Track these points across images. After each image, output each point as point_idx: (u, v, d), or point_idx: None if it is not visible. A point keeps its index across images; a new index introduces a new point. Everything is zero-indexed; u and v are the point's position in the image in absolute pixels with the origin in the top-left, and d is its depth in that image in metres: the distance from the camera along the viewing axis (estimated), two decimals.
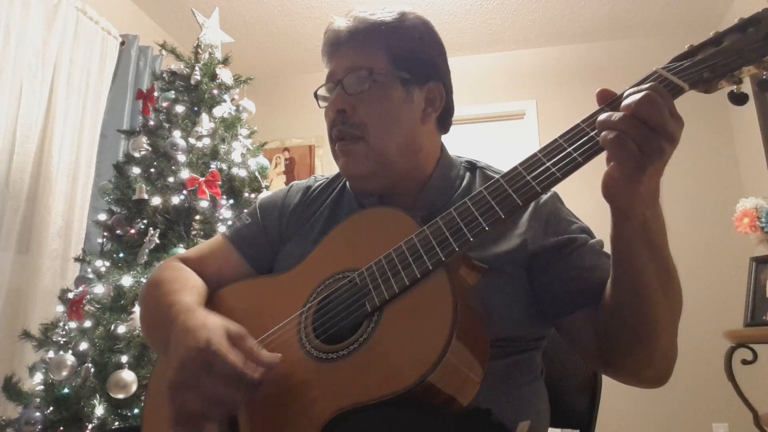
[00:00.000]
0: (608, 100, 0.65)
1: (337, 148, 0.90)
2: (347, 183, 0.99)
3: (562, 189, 0.79)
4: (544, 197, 0.86)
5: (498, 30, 3.60)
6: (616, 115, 0.59)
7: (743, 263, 2.49)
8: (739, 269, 2.65)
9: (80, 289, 1.91)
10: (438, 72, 0.91)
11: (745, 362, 2.09)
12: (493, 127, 3.75)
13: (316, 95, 0.95)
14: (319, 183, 1.03)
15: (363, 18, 0.89)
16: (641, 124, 0.58)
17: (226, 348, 0.64)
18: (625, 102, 0.59)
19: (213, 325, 0.68)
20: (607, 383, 1.00)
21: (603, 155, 0.63)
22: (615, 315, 0.71)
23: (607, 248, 0.82)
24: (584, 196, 2.03)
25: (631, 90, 0.61)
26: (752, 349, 2.12)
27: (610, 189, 0.62)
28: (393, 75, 0.87)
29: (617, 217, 0.65)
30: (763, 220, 2.25)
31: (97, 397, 1.70)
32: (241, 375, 0.63)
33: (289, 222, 0.98)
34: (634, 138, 0.58)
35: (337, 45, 0.90)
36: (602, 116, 0.61)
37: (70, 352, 1.78)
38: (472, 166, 0.95)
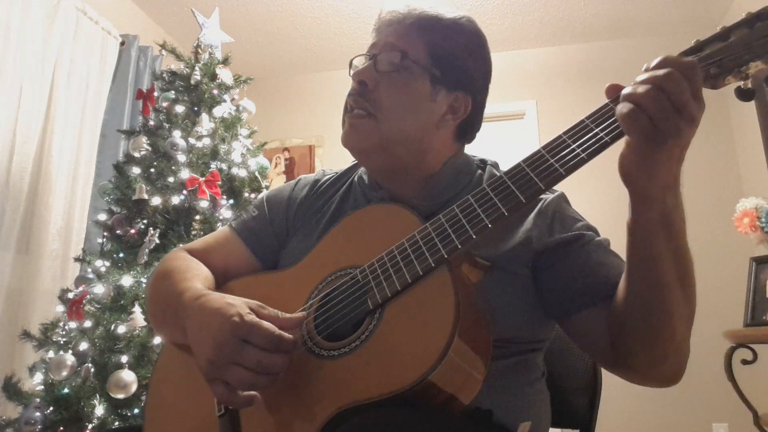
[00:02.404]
0: (617, 94, 0.64)
1: (346, 117, 0.89)
2: (355, 178, 0.98)
3: (566, 188, 0.79)
4: (550, 197, 0.85)
5: (498, 30, 3.60)
6: (641, 87, 0.58)
7: (743, 263, 2.49)
8: (739, 269, 2.65)
9: (80, 289, 1.91)
10: (472, 85, 0.89)
11: (745, 362, 2.09)
12: (493, 127, 3.73)
13: (351, 63, 0.93)
14: (327, 177, 1.02)
15: (421, 8, 0.89)
16: (662, 97, 0.57)
17: (257, 318, 0.67)
18: (647, 75, 0.59)
19: (236, 302, 0.70)
20: (607, 383, 1.00)
21: (610, 149, 0.62)
22: (631, 309, 0.70)
23: (615, 244, 0.81)
24: (591, 195, 2.03)
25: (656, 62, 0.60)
26: (752, 349, 2.12)
27: (624, 168, 0.62)
28: (425, 67, 0.85)
29: (635, 201, 0.64)
30: (763, 220, 2.24)
31: (97, 397, 1.70)
32: (278, 339, 0.66)
33: (296, 216, 0.97)
34: (651, 111, 0.57)
35: (388, 23, 0.89)
36: (627, 89, 0.60)
37: (70, 352, 1.77)
38: (483, 164, 0.95)
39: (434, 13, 0.88)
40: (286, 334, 0.67)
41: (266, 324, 0.67)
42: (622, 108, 0.59)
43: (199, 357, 0.69)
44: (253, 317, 0.67)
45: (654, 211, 0.63)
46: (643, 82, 0.59)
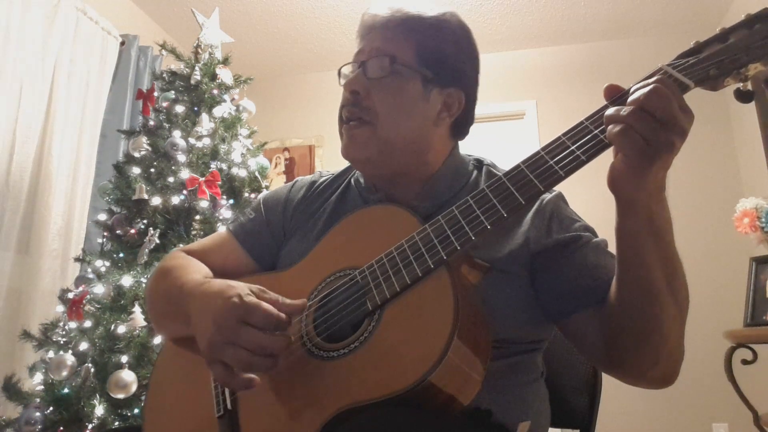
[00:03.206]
0: (616, 95, 0.64)
1: (343, 129, 0.89)
2: (352, 180, 0.98)
3: (565, 187, 0.79)
4: (548, 196, 0.85)
5: (498, 30, 3.60)
6: (625, 110, 0.59)
7: (743, 263, 2.49)
8: (739, 269, 2.65)
9: (80, 289, 1.91)
10: (463, 80, 0.90)
11: (745, 362, 2.09)
12: (493, 127, 3.75)
13: (339, 72, 0.93)
14: (324, 179, 1.02)
15: (403, 8, 0.88)
16: (649, 118, 0.58)
17: (257, 300, 0.68)
18: (632, 96, 0.59)
19: (237, 284, 0.71)
20: (607, 383, 1.00)
21: (609, 150, 0.62)
22: (621, 312, 0.70)
23: (612, 244, 0.81)
24: (588, 195, 2.03)
25: (639, 85, 0.61)
26: (752, 349, 2.12)
27: (616, 181, 0.62)
28: (415, 69, 0.85)
29: (622, 208, 0.65)
30: (763, 220, 2.24)
31: (97, 397, 1.70)
32: (278, 320, 0.67)
33: (293, 218, 0.97)
34: (641, 131, 0.58)
35: (371, 28, 0.89)
36: (610, 111, 0.61)
37: (70, 352, 1.78)
38: (479, 164, 0.94)
39: (417, 13, 0.87)
40: (284, 315, 0.68)
41: (265, 305, 0.67)
42: (614, 129, 0.59)
43: (200, 340, 0.70)
44: (252, 298, 0.68)
45: (640, 217, 0.64)
46: (630, 103, 0.59)
